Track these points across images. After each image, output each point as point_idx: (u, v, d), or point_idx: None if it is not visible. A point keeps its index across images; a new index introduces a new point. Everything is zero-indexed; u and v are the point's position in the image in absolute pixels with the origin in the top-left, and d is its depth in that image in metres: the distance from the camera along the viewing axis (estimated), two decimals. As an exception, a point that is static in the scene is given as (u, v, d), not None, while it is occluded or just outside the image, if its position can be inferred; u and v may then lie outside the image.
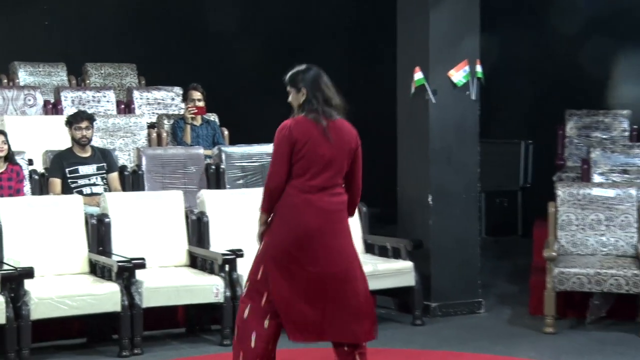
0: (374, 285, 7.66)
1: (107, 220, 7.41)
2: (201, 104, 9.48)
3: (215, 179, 8.80)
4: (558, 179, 9.28)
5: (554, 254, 7.61)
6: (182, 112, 10.00)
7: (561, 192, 8.12)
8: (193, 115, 9.47)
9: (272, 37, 12.56)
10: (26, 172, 8.30)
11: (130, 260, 6.97)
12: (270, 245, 5.46)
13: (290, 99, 5.56)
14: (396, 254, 8.02)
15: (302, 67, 5.59)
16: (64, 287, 6.83)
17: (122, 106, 10.56)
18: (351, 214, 5.65)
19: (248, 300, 5.49)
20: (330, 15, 13.36)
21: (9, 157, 8.01)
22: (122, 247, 7.36)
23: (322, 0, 13.29)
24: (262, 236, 5.54)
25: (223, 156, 8.86)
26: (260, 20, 12.81)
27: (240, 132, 10.03)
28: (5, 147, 7.95)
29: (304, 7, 13.10)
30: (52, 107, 10.22)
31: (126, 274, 6.97)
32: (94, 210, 7.73)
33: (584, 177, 8.99)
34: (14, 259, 6.97)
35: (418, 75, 8.16)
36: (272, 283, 5.40)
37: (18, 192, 7.92)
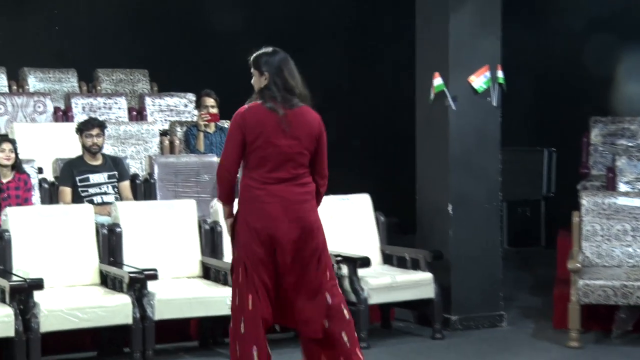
0: (392, 297, 7.71)
1: (118, 230, 7.42)
2: (215, 110, 9.50)
3: (229, 187, 8.79)
4: (582, 188, 9.23)
5: (578, 265, 7.58)
6: (195, 119, 10.02)
7: (586, 201, 8.08)
8: (206, 122, 9.49)
9: (273, 38, 12.59)
10: (36, 181, 8.33)
11: (142, 271, 6.98)
12: (240, 244, 5.47)
13: (252, 81, 5.55)
14: (415, 265, 8.00)
15: (269, 49, 5.56)
16: (74, 298, 6.84)
17: (134, 113, 10.58)
18: (317, 203, 5.63)
19: (240, 309, 5.47)
20: (330, 15, 13.39)
21: (17, 166, 8.04)
22: (133, 258, 7.37)
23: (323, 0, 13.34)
24: (232, 228, 5.55)
25: (237, 164, 8.86)
26: (267, 24, 12.82)
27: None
28: (13, 155, 7.98)
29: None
30: (63, 114, 10.25)
31: (138, 286, 6.98)
32: (105, 219, 7.74)
33: (609, 185, 8.95)
34: (23, 270, 6.98)
35: (437, 80, 8.15)
36: (257, 281, 5.42)
37: (26, 201, 7.95)
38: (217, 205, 7.80)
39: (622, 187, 8.75)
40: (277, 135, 5.39)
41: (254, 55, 5.56)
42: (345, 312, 5.55)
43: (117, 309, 6.83)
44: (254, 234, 5.42)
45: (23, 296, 6.62)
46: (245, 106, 5.48)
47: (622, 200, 8.07)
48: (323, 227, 5.62)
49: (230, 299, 6.64)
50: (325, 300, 5.52)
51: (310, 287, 5.50)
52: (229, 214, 5.58)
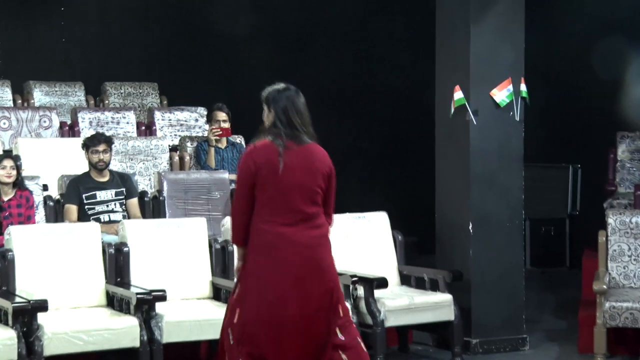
0: (410, 319, 7.67)
1: (125, 249, 7.41)
2: (226, 125, 9.49)
3: (241, 205, 8.77)
4: (609, 206, 9.20)
5: (604, 286, 7.53)
6: (206, 134, 10.02)
7: (612, 220, 8.04)
8: (218, 137, 9.48)
9: (287, 47, 12.61)
10: (40, 198, 8.33)
11: (150, 292, 6.95)
12: (247, 288, 5.44)
13: (263, 117, 5.60)
14: (434, 286, 7.96)
15: (280, 86, 5.60)
16: (80, 321, 6.82)
17: (143, 128, 10.59)
18: None
19: (236, 350, 5.47)
20: (338, 20, 13.42)
21: (18, 183, 8.03)
22: (141, 278, 7.35)
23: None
24: (238, 271, 5.56)
25: (249, 181, 8.84)
26: (282, 37, 12.83)
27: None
28: (14, 172, 7.97)
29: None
30: (69, 129, 10.26)
31: (145, 307, 6.95)
32: (112, 238, 7.73)
33: (637, 204, 8.91)
34: (27, 291, 6.97)
35: (458, 94, 8.12)
36: (251, 329, 5.40)
37: (29, 218, 7.94)
38: (229, 224, 7.77)
39: (651, 205, 8.71)
40: (288, 173, 5.40)
41: (266, 91, 5.61)
42: (363, 346, 5.55)
43: (123, 331, 6.80)
44: (264, 280, 5.41)
45: (26, 318, 6.60)
46: (254, 145, 5.50)
47: (650, 219, 8.03)
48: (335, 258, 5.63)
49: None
50: (337, 339, 5.50)
51: (320, 330, 5.48)
52: (242, 257, 5.56)
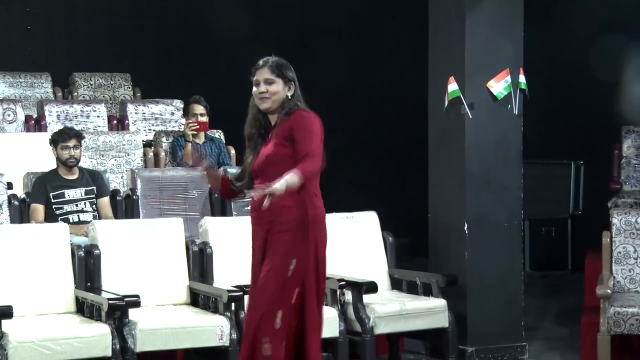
0: (401, 326, 7.69)
1: (96, 252, 7.41)
2: (204, 119, 9.50)
3: (220, 204, 8.81)
4: (613, 205, 9.24)
5: (608, 291, 7.56)
6: (182, 128, 10.03)
7: (617, 220, 8.07)
8: (195, 132, 9.49)
9: (281, 45, 12.62)
10: (4, 197, 8.32)
11: (122, 298, 6.96)
12: (306, 263, 5.57)
13: (270, 88, 5.64)
14: (427, 291, 7.99)
15: (281, 58, 5.71)
16: (47, 328, 6.82)
17: (115, 122, 10.59)
18: None
19: (284, 334, 5.55)
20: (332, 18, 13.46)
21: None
22: (113, 283, 7.36)
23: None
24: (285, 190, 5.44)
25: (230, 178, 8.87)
26: (269, 27, 12.85)
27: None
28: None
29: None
30: (35, 123, 10.25)
31: (118, 314, 6.96)
32: (82, 240, 7.74)
33: (644, 203, 8.96)
34: (-10, 296, 6.97)
35: (452, 86, 8.14)
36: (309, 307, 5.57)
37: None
38: (208, 225, 7.79)
39: (658, 205, 8.76)
40: None
41: (277, 61, 5.66)
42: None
43: (94, 339, 6.80)
44: (317, 257, 5.60)
45: (-14, 327, 6.61)
46: (309, 110, 5.60)
47: (657, 219, 8.07)
48: None
49: (221, 329, 6.57)
50: None
51: None
52: (291, 188, 5.39)
